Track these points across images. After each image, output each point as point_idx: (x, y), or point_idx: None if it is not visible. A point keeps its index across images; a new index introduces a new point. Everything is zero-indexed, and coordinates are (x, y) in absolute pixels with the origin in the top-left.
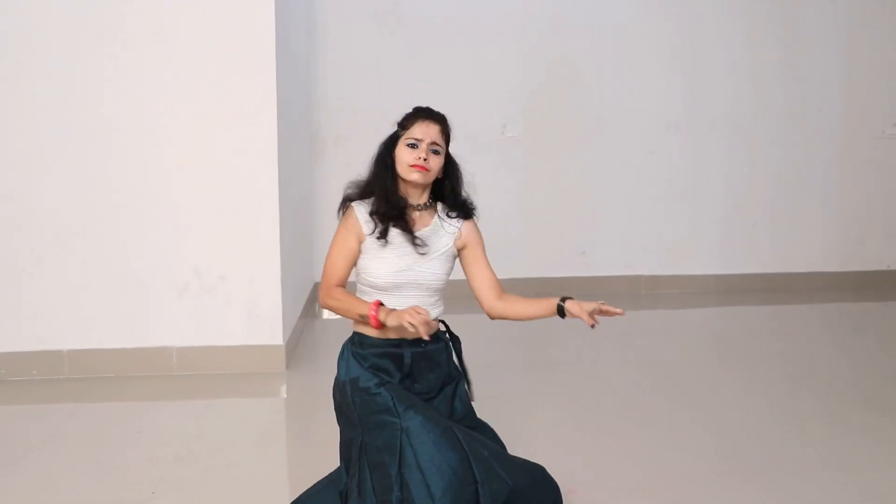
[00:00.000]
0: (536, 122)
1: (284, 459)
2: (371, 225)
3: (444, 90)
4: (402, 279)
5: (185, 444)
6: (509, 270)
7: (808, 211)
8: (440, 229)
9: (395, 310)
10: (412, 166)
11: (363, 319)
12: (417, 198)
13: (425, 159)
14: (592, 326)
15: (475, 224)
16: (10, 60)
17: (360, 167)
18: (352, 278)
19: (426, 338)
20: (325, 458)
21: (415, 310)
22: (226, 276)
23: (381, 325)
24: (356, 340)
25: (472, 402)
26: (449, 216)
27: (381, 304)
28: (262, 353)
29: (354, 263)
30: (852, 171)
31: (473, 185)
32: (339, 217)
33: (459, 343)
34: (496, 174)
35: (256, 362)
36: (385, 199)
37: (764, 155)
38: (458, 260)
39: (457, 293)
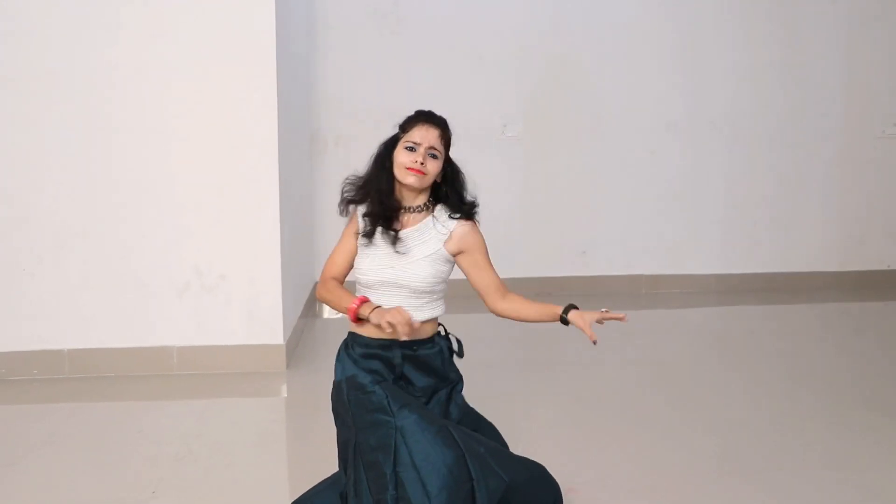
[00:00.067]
0: (536, 122)
1: (285, 459)
2: (363, 224)
3: (444, 90)
4: (382, 277)
5: (185, 443)
6: (509, 270)
7: (808, 211)
8: (429, 231)
9: (379, 307)
10: (409, 169)
11: (347, 313)
12: (412, 200)
13: (422, 163)
14: (595, 343)
15: (473, 228)
16: (11, 60)
17: (361, 167)
18: (353, 278)
19: (403, 339)
20: (325, 457)
21: (398, 311)
22: (226, 276)
23: (358, 319)
24: (349, 341)
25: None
26: (451, 218)
27: (367, 300)
28: (262, 353)
29: (353, 261)
30: (852, 170)
31: (474, 186)
32: (339, 212)
33: (461, 345)
34: (496, 174)
35: (257, 362)
36: (379, 201)
37: (764, 155)
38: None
39: (456, 293)
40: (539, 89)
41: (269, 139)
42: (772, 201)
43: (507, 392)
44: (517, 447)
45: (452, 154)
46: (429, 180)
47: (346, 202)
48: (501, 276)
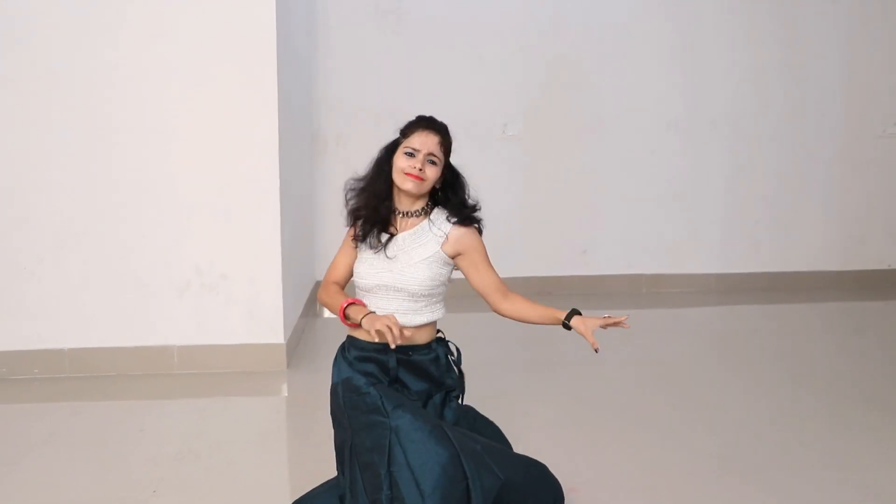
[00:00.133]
0: (537, 122)
1: (285, 458)
2: (359, 228)
3: (445, 89)
4: (376, 281)
5: (186, 442)
6: (510, 269)
7: (808, 210)
8: (426, 234)
9: (373, 313)
10: (407, 175)
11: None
12: (410, 205)
13: (420, 169)
14: (596, 351)
15: (469, 230)
16: (12, 61)
17: (361, 166)
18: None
19: (392, 347)
20: (325, 456)
21: (389, 319)
22: (227, 275)
23: (347, 320)
24: (346, 345)
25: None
26: (448, 221)
27: (358, 302)
28: (263, 352)
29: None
30: (853, 170)
31: (475, 186)
32: (346, 224)
33: (460, 355)
34: (497, 173)
35: (257, 361)
36: (374, 206)
37: (764, 154)
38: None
39: (456, 293)
40: (539, 89)
41: (270, 139)
42: (772, 201)
43: (507, 391)
44: (517, 446)
45: (454, 155)
46: (427, 186)
47: (351, 213)
48: (502, 276)
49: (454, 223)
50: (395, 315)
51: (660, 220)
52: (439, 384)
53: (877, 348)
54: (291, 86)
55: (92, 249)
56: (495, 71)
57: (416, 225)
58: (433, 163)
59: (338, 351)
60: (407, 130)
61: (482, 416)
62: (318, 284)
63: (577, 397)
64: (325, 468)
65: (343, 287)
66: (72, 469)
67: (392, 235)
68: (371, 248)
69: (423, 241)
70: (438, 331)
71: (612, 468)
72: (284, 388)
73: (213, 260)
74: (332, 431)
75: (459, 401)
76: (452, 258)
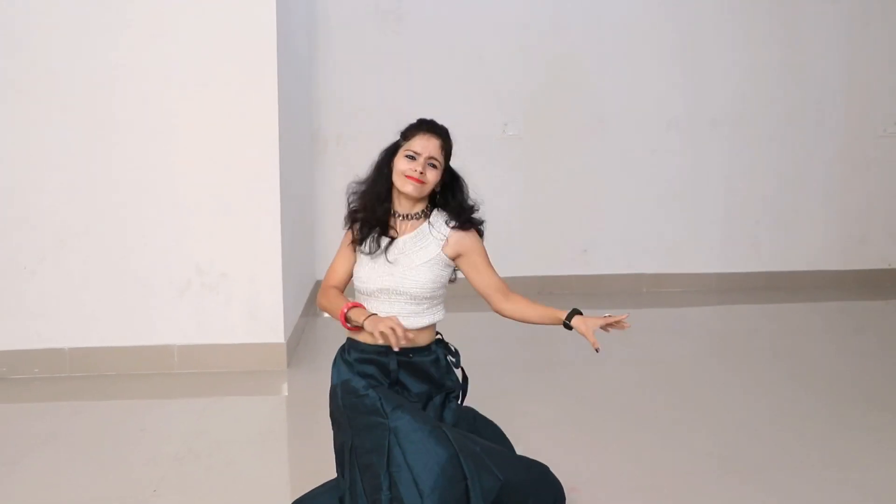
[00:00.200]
0: (537, 121)
1: (286, 457)
2: (358, 231)
3: (445, 89)
4: (381, 285)
5: (186, 441)
6: (510, 269)
7: (809, 209)
8: (426, 237)
9: (375, 315)
10: (408, 177)
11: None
12: (410, 208)
13: (421, 172)
14: (597, 350)
15: (471, 231)
16: (13, 60)
17: (361, 166)
18: (352, 286)
19: (395, 349)
20: (326, 456)
21: (392, 321)
22: (227, 274)
23: (348, 323)
24: (346, 346)
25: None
26: (447, 224)
27: (357, 305)
28: (263, 351)
29: (353, 269)
30: (853, 169)
31: (474, 185)
32: (346, 222)
33: (458, 357)
34: (497, 173)
35: (258, 360)
36: (371, 208)
37: (765, 153)
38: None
39: (456, 292)
40: (540, 88)
41: (270, 138)
42: (772, 200)
43: (508, 391)
44: (518, 446)
45: (454, 156)
46: (427, 189)
47: (350, 215)
48: (502, 276)
49: (453, 227)
50: (396, 318)
51: (660, 219)
52: (439, 386)
53: (877, 348)
54: (292, 85)
55: (92, 249)
56: (495, 70)
57: (416, 228)
58: (434, 166)
59: (337, 353)
60: (408, 133)
61: (482, 417)
62: (318, 284)
63: (578, 397)
64: (325, 467)
65: (342, 291)
66: (72, 468)
67: (392, 239)
68: (371, 252)
69: (424, 244)
70: (437, 333)
71: (612, 468)
72: (285, 387)
73: (214, 259)
74: (332, 432)
75: (459, 402)
76: (453, 259)
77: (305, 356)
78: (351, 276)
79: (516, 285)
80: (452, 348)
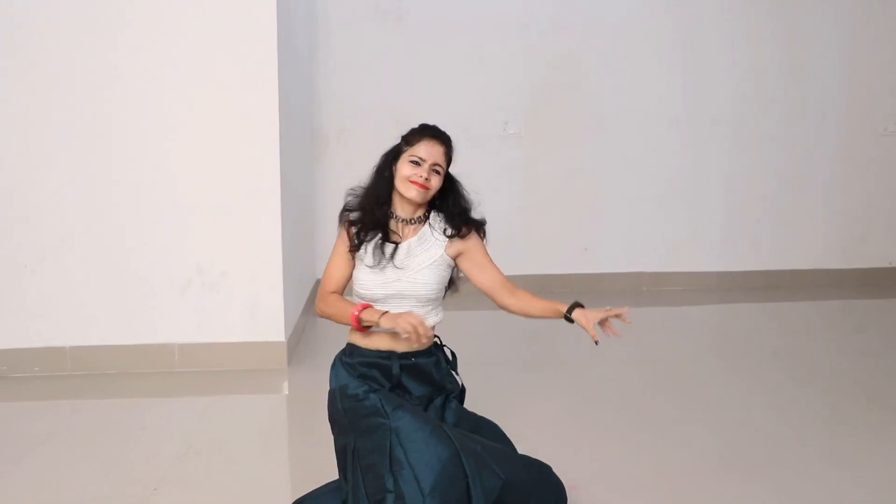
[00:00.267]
0: (538, 119)
1: (286, 456)
2: (356, 235)
3: (445, 87)
4: (389, 290)
5: (187, 440)
6: (511, 267)
7: (810, 208)
8: (428, 239)
9: (387, 312)
10: (412, 183)
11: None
12: (411, 213)
13: (427, 178)
14: (596, 343)
15: (471, 232)
16: (13, 59)
17: (362, 164)
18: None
19: (416, 347)
20: (326, 454)
21: (411, 315)
22: (228, 273)
23: (361, 327)
24: (347, 351)
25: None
26: (445, 234)
27: (368, 306)
28: (264, 350)
29: (351, 273)
30: (854, 168)
31: (475, 184)
32: (339, 225)
33: (455, 358)
34: (498, 171)
35: (258, 359)
36: (370, 210)
37: (765, 152)
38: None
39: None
40: (540, 86)
41: (271, 136)
42: (773, 199)
43: (508, 390)
44: (518, 444)
45: (455, 157)
46: (430, 195)
47: (348, 221)
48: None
49: (450, 237)
50: (413, 312)
51: (660, 218)
52: (440, 388)
53: (878, 347)
54: (292, 85)
55: (93, 247)
56: (496, 69)
57: (418, 231)
58: (437, 172)
59: (336, 357)
60: (411, 138)
61: (483, 418)
62: (318, 282)
63: (578, 395)
64: (325, 466)
65: (342, 294)
66: (73, 467)
67: (396, 244)
68: (378, 263)
69: (428, 246)
70: (436, 336)
71: (612, 466)
72: (285, 385)
73: (214, 258)
74: (332, 433)
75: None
76: (454, 259)
77: (306, 355)
78: (348, 279)
79: (517, 284)
80: (450, 351)
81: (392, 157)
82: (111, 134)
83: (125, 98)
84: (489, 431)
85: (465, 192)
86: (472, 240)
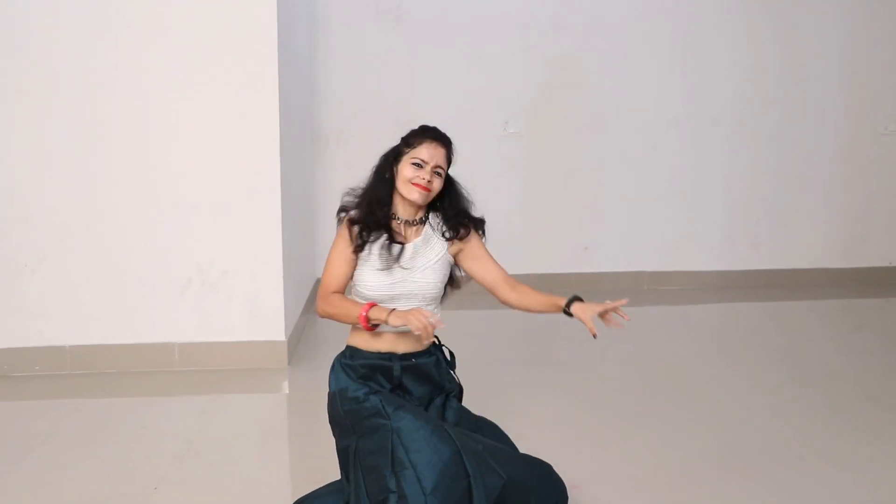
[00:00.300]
0: (538, 119)
1: (286, 455)
2: (359, 235)
3: (446, 87)
4: (396, 291)
5: (187, 439)
6: (511, 267)
7: (810, 207)
8: (431, 239)
9: (395, 309)
10: (415, 185)
11: (358, 322)
12: (413, 214)
13: (429, 181)
14: (595, 336)
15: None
16: (13, 60)
17: (362, 164)
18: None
19: (425, 343)
20: (326, 453)
21: (420, 312)
22: (228, 272)
23: (370, 327)
24: (347, 353)
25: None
26: (445, 237)
27: (374, 305)
28: (264, 349)
29: (353, 273)
30: (854, 167)
31: (475, 183)
32: (337, 225)
33: (454, 357)
34: (498, 170)
35: (258, 358)
36: (371, 211)
37: (766, 152)
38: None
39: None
40: (541, 86)
41: (271, 136)
42: (773, 198)
43: (509, 389)
44: (519, 444)
45: (455, 156)
46: (432, 197)
47: (342, 211)
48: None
49: (448, 239)
50: (421, 309)
51: (660, 217)
52: (440, 388)
53: (877, 346)
54: (292, 85)
55: (93, 247)
56: (496, 69)
57: (420, 232)
58: (439, 174)
59: (335, 359)
60: (412, 140)
61: (483, 418)
62: (319, 282)
63: (578, 395)
64: (325, 465)
65: (343, 294)
66: (73, 466)
67: (402, 245)
68: (387, 266)
69: (432, 246)
70: (434, 335)
71: (613, 465)
72: (285, 385)
73: (214, 257)
74: (332, 434)
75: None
76: (455, 256)
77: (306, 354)
78: (350, 278)
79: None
80: (448, 351)
81: (392, 158)
82: (111, 134)
83: (125, 98)
84: (489, 431)
85: (464, 192)
86: (472, 237)
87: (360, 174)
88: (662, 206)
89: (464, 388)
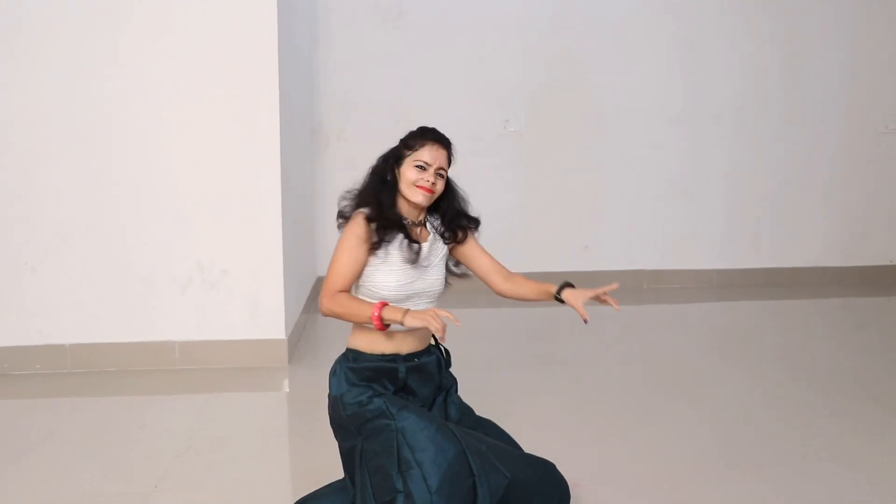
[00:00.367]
0: (539, 117)
1: (287, 453)
2: (376, 235)
3: (446, 85)
4: (410, 290)
5: (187, 438)
6: (511, 265)
7: (810, 206)
8: (436, 238)
9: (410, 309)
10: (419, 187)
11: (369, 322)
12: (417, 216)
13: (433, 183)
14: (586, 321)
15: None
16: (14, 56)
17: (362, 163)
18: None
19: (441, 338)
20: (327, 452)
21: (436, 312)
22: (228, 271)
23: (384, 327)
24: (350, 357)
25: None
26: (444, 239)
27: (385, 304)
28: (264, 348)
29: (361, 272)
30: (855, 166)
31: (475, 182)
32: (338, 227)
33: (449, 356)
34: (498, 169)
35: (259, 356)
36: (381, 213)
37: (766, 150)
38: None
39: (457, 288)
40: (541, 84)
41: (271, 134)
42: (774, 196)
43: (509, 388)
44: (520, 443)
45: (455, 156)
46: (434, 199)
47: (340, 217)
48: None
49: (447, 242)
50: (434, 309)
51: (661, 215)
52: (440, 385)
53: (878, 344)
54: (292, 83)
55: (93, 245)
56: (496, 67)
57: (427, 232)
58: (441, 176)
59: (336, 362)
60: (413, 142)
61: (483, 418)
62: (319, 280)
63: (579, 393)
64: (326, 464)
65: (349, 293)
66: (73, 465)
67: (419, 245)
68: (395, 257)
69: (438, 244)
70: (433, 336)
71: (614, 463)
72: (286, 383)
73: (215, 256)
74: (334, 436)
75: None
76: (451, 251)
77: (306, 352)
78: (358, 276)
79: None
80: (444, 349)
81: (393, 160)
82: (111, 133)
83: (125, 97)
84: (491, 429)
85: (460, 192)
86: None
87: (360, 173)
88: (663, 204)
89: (464, 388)
